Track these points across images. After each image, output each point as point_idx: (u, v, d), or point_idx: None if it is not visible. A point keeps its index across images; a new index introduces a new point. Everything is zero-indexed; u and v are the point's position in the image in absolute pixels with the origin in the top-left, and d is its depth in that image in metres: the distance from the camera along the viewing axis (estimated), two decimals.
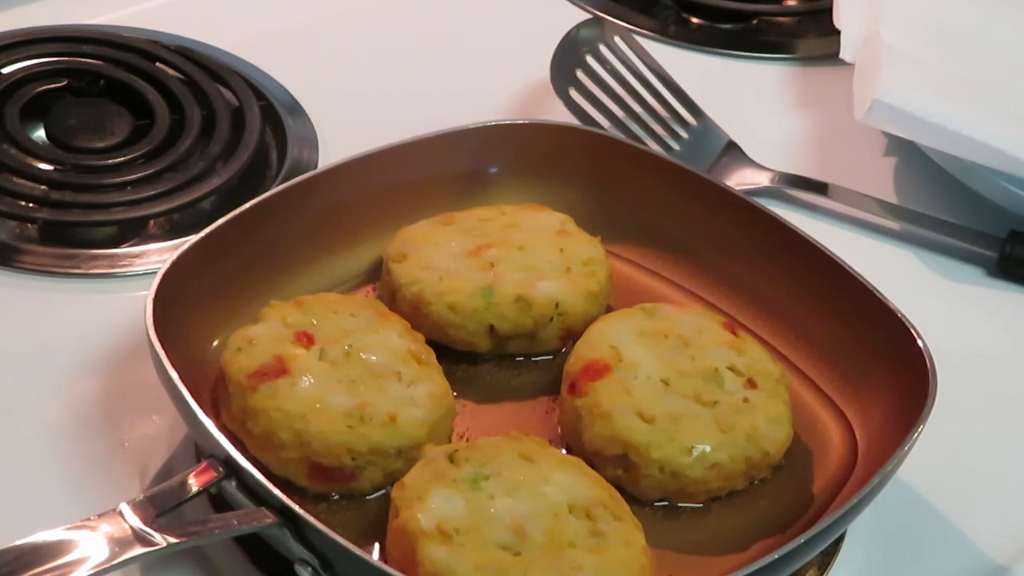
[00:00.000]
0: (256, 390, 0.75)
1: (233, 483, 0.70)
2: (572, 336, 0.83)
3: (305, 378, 0.76)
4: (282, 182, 0.92)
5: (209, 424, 0.71)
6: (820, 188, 1.00)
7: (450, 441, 0.78)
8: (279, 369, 0.76)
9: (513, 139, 0.91)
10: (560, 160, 0.91)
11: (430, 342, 0.81)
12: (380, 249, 0.86)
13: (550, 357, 0.84)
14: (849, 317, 0.84)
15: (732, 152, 1.02)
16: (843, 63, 1.05)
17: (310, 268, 0.85)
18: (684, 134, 1.02)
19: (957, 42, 1.04)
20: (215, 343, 0.80)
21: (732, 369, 0.80)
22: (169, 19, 1.07)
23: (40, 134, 0.96)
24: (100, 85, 0.99)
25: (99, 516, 0.67)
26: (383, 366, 0.77)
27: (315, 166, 0.97)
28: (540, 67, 1.00)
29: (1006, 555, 0.80)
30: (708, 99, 1.04)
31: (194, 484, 0.70)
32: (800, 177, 1.01)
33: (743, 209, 0.88)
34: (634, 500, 0.76)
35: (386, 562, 0.70)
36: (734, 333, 0.83)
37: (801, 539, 0.70)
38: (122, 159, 0.94)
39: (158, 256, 0.88)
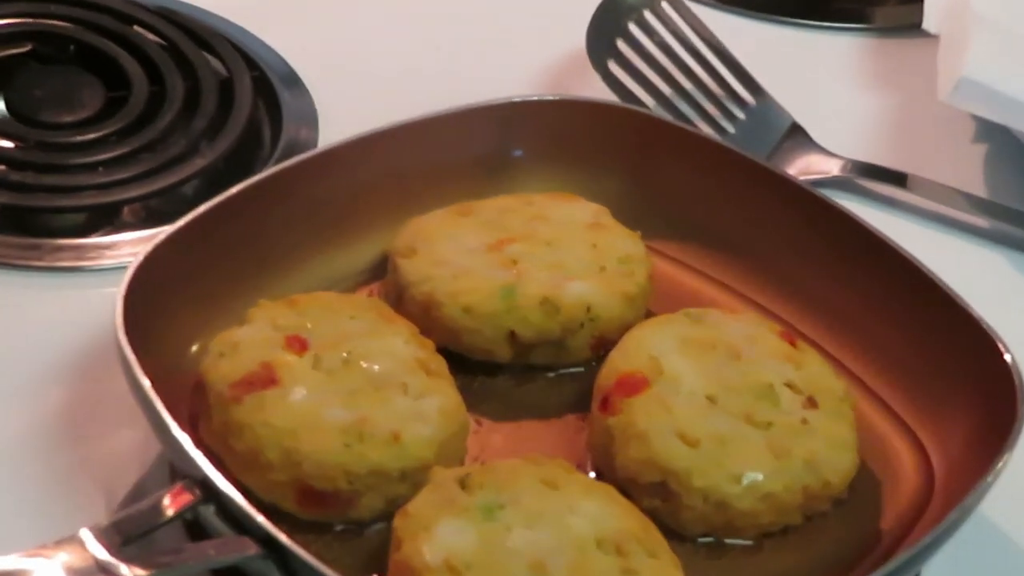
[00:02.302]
0: (240, 402, 0.76)
1: (211, 508, 0.70)
2: (605, 345, 0.83)
3: (297, 389, 0.76)
4: (275, 164, 0.93)
5: (185, 440, 0.71)
6: (898, 179, 1.01)
7: (462, 464, 0.78)
8: (267, 378, 0.77)
9: (541, 118, 0.91)
10: (595, 143, 0.91)
11: (441, 350, 0.81)
12: (386, 243, 0.87)
13: (579, 369, 0.84)
14: (926, 328, 0.84)
15: (796, 136, 1.02)
16: (926, 34, 1.05)
17: (305, 263, 0.86)
18: (740, 115, 1.02)
19: None
20: (194, 348, 0.81)
21: (789, 385, 0.80)
22: None
23: None
24: (69, 51, 0.99)
25: (57, 543, 0.67)
26: (386, 376, 0.78)
27: (313, 146, 0.97)
28: (575, 36, 1.01)
29: None
30: (769, 75, 1.04)
31: (167, 508, 0.70)
32: (875, 166, 1.01)
33: (807, 202, 0.89)
34: (673, 534, 0.76)
35: None
36: (792, 344, 0.83)
37: None
38: (93, 136, 0.95)
39: (132, 248, 0.89)
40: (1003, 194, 1.02)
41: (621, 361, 0.81)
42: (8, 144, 0.94)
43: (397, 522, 0.72)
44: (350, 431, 0.75)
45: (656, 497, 0.77)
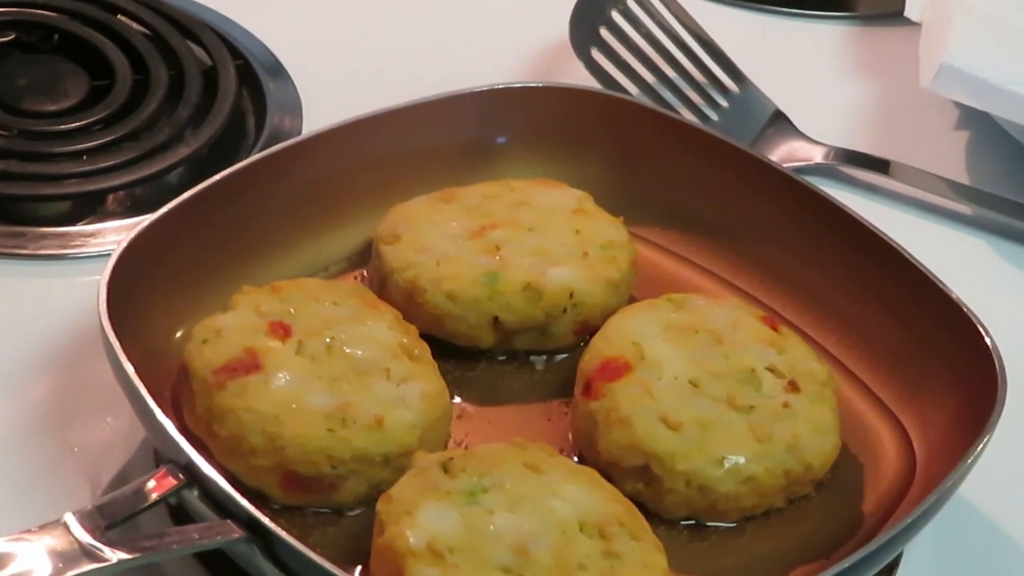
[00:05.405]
0: (224, 388, 0.76)
1: (195, 492, 0.70)
2: (588, 330, 0.84)
3: (280, 375, 0.76)
4: (259, 152, 0.93)
5: (168, 425, 0.71)
6: (880, 166, 1.01)
7: (445, 448, 0.78)
8: (250, 364, 0.77)
9: (525, 105, 0.91)
10: (578, 129, 0.92)
11: (425, 336, 0.81)
12: (369, 229, 0.87)
13: (563, 354, 0.85)
14: (908, 312, 0.84)
15: (779, 123, 1.02)
16: (908, 22, 1.05)
17: (288, 250, 0.86)
18: (723, 102, 1.02)
19: None
20: (178, 334, 0.81)
21: (771, 370, 0.80)
22: None
23: None
24: (53, 40, 1.00)
25: (41, 527, 0.67)
26: (370, 362, 0.78)
27: (298, 135, 0.97)
28: (558, 24, 1.01)
29: None
30: (752, 63, 1.04)
31: (151, 492, 0.70)
32: (857, 153, 1.02)
33: (790, 188, 0.89)
34: (656, 518, 0.76)
35: None
36: (774, 328, 0.83)
37: (846, 563, 0.70)
38: (77, 125, 0.95)
39: (116, 235, 0.89)
40: (985, 180, 1.02)
41: (604, 346, 0.81)
42: None
43: (380, 506, 0.72)
44: (333, 416, 0.75)
45: (639, 481, 0.77)
